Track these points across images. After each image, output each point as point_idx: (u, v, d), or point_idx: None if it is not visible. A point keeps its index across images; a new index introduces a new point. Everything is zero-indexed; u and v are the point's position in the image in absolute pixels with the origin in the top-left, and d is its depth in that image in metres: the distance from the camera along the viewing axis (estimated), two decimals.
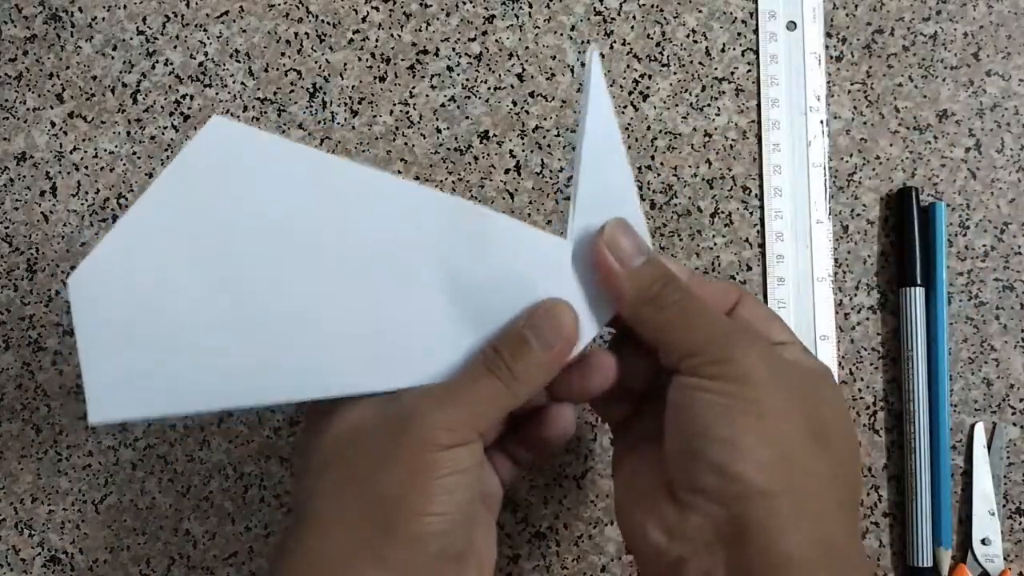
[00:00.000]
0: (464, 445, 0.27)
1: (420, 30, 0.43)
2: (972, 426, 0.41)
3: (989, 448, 0.41)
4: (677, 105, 0.43)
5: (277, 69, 0.42)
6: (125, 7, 0.42)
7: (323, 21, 0.42)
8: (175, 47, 0.42)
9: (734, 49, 0.43)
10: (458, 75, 0.42)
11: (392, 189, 0.28)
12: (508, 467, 0.33)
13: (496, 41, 0.43)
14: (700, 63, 0.43)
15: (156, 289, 0.27)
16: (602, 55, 0.42)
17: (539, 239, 0.30)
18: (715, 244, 0.42)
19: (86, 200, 0.41)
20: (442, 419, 0.27)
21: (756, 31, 0.43)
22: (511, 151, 0.42)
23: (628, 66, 0.43)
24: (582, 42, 0.43)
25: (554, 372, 0.29)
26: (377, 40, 0.42)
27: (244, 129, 0.27)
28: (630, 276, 0.29)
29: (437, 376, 0.29)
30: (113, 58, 0.42)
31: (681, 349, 0.28)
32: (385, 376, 0.29)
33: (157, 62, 0.42)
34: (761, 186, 0.42)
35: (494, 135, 0.42)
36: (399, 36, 0.42)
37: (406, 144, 0.42)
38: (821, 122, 0.42)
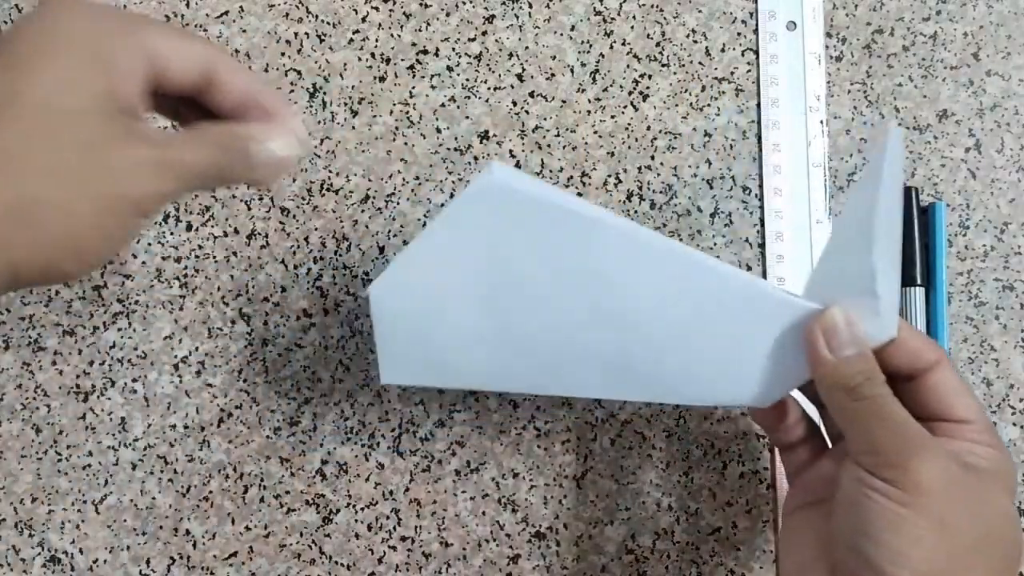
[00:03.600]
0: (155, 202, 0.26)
1: (420, 30, 0.43)
2: None
3: None
4: (677, 105, 0.43)
5: (277, 69, 0.42)
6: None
7: (323, 21, 0.42)
8: None
9: (734, 49, 0.43)
10: (458, 75, 0.42)
11: (632, 237, 0.32)
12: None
13: (496, 41, 0.43)
14: (700, 63, 0.43)
15: (435, 293, 0.33)
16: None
17: (770, 295, 0.32)
18: (715, 244, 0.42)
19: None
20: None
21: (756, 31, 0.43)
22: (511, 151, 0.42)
23: (628, 66, 0.43)
24: (582, 42, 0.43)
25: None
26: (377, 40, 0.42)
27: (513, 180, 0.31)
28: (836, 364, 0.30)
29: (648, 397, 0.34)
30: None
31: (863, 444, 0.29)
32: (601, 390, 0.34)
33: None
34: (761, 186, 0.42)
35: (494, 135, 0.42)
36: (399, 36, 0.42)
37: (406, 144, 0.42)
38: (821, 122, 0.42)
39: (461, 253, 0.32)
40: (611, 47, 0.43)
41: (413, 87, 0.42)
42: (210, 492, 0.40)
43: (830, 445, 0.35)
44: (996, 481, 0.30)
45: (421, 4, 0.43)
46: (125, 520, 0.40)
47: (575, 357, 0.33)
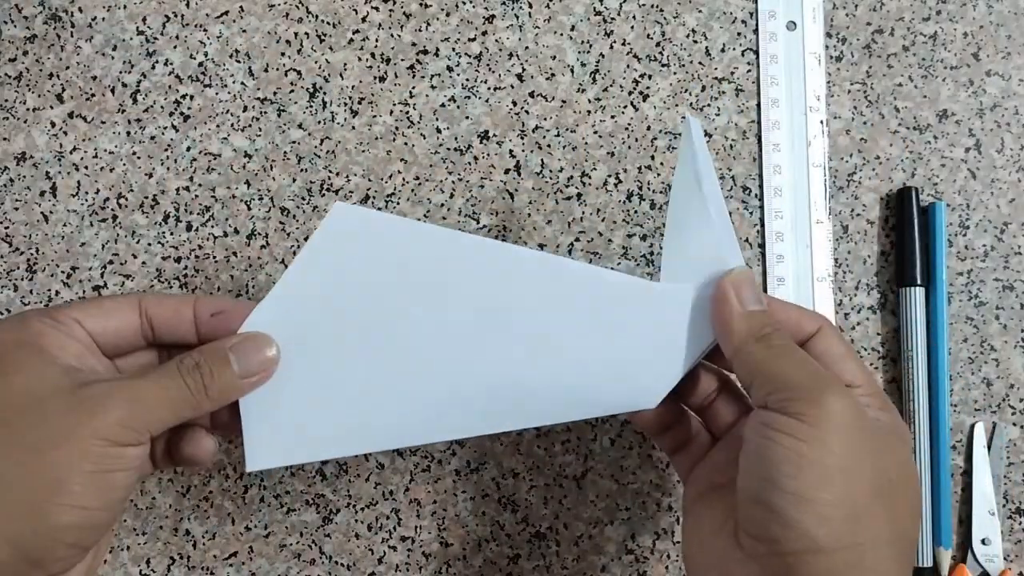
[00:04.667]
0: (137, 445, 0.28)
1: (420, 30, 0.43)
2: (972, 426, 0.41)
3: (989, 448, 0.41)
4: (677, 105, 0.43)
5: (277, 69, 0.42)
6: (125, 7, 0.42)
7: (323, 21, 0.42)
8: (175, 47, 0.42)
9: (734, 49, 0.43)
10: (458, 75, 0.42)
11: (493, 252, 0.32)
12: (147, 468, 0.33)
13: (496, 41, 0.43)
14: (700, 63, 0.43)
15: (300, 355, 0.31)
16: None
17: (631, 285, 0.32)
18: None
19: (86, 200, 0.41)
20: (125, 415, 0.27)
21: (756, 31, 0.43)
22: (511, 151, 0.42)
23: (628, 66, 0.43)
24: (582, 42, 0.43)
25: (242, 395, 0.30)
26: (377, 40, 0.42)
27: (363, 212, 0.31)
28: (747, 316, 0.31)
29: (539, 421, 0.32)
30: (113, 58, 0.42)
31: (776, 383, 0.29)
32: (496, 422, 0.32)
33: (157, 62, 0.42)
34: (761, 186, 0.42)
35: (494, 135, 0.42)
36: (399, 36, 0.42)
37: (406, 144, 0.42)
38: (821, 122, 0.42)
39: (326, 295, 0.31)
40: (611, 47, 0.43)
41: (413, 87, 0.42)
42: (210, 492, 0.40)
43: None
44: (892, 433, 0.30)
45: (421, 4, 0.43)
46: (125, 520, 0.40)
47: (463, 390, 0.31)
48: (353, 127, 0.42)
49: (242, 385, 0.30)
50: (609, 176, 0.42)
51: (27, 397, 0.27)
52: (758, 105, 0.43)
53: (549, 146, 0.42)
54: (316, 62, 0.42)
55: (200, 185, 0.41)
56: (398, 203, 0.42)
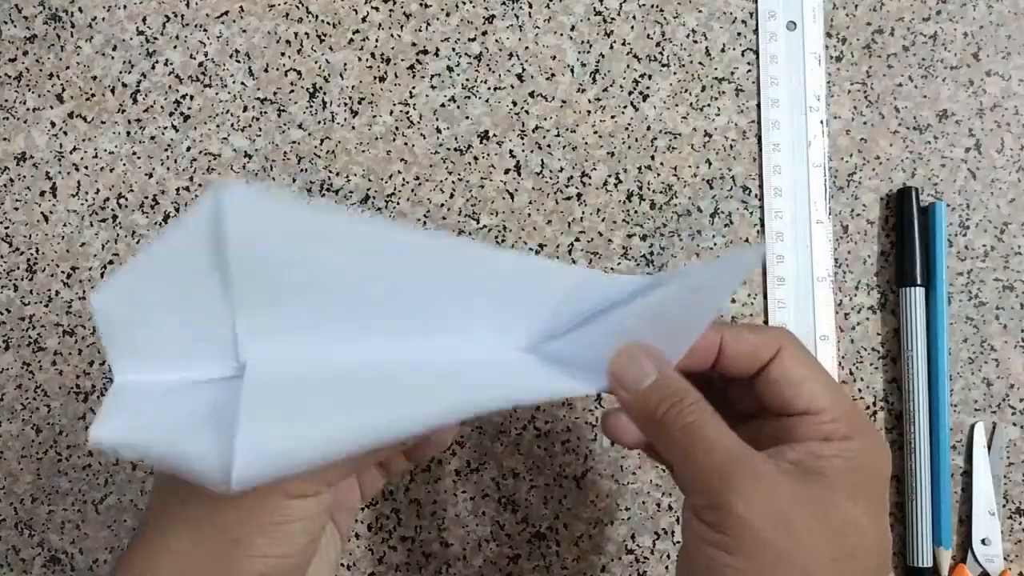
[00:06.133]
0: (313, 496, 0.28)
1: (420, 30, 0.43)
2: (972, 426, 0.41)
3: (989, 448, 0.41)
4: (677, 105, 0.43)
5: (277, 69, 0.42)
6: (125, 7, 0.42)
7: (323, 21, 0.42)
8: (175, 47, 0.42)
9: (734, 49, 0.43)
10: (458, 75, 0.42)
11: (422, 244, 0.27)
12: (375, 477, 0.34)
13: (496, 41, 0.43)
14: (700, 63, 0.43)
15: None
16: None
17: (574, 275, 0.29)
18: (715, 244, 0.42)
19: (86, 200, 0.41)
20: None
21: (756, 31, 0.43)
22: (511, 151, 0.42)
23: (628, 66, 0.43)
24: (582, 42, 0.43)
25: (410, 440, 0.30)
26: (377, 40, 0.42)
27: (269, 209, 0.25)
28: (636, 400, 0.28)
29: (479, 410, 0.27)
30: (113, 58, 0.42)
31: (686, 481, 0.27)
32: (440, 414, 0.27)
33: (157, 62, 0.42)
34: (761, 186, 0.42)
35: (494, 135, 0.42)
36: (399, 36, 0.43)
37: (406, 144, 0.42)
38: (821, 122, 0.42)
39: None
40: (611, 47, 0.43)
41: (413, 87, 0.42)
42: None
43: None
44: (843, 485, 0.26)
45: (421, 4, 0.43)
46: (125, 520, 0.40)
47: (398, 385, 0.27)
48: (353, 127, 0.42)
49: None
50: (609, 176, 0.42)
51: None
52: (758, 105, 0.43)
53: (549, 146, 0.42)
54: (316, 62, 0.42)
55: (200, 185, 0.41)
56: (398, 203, 0.42)
